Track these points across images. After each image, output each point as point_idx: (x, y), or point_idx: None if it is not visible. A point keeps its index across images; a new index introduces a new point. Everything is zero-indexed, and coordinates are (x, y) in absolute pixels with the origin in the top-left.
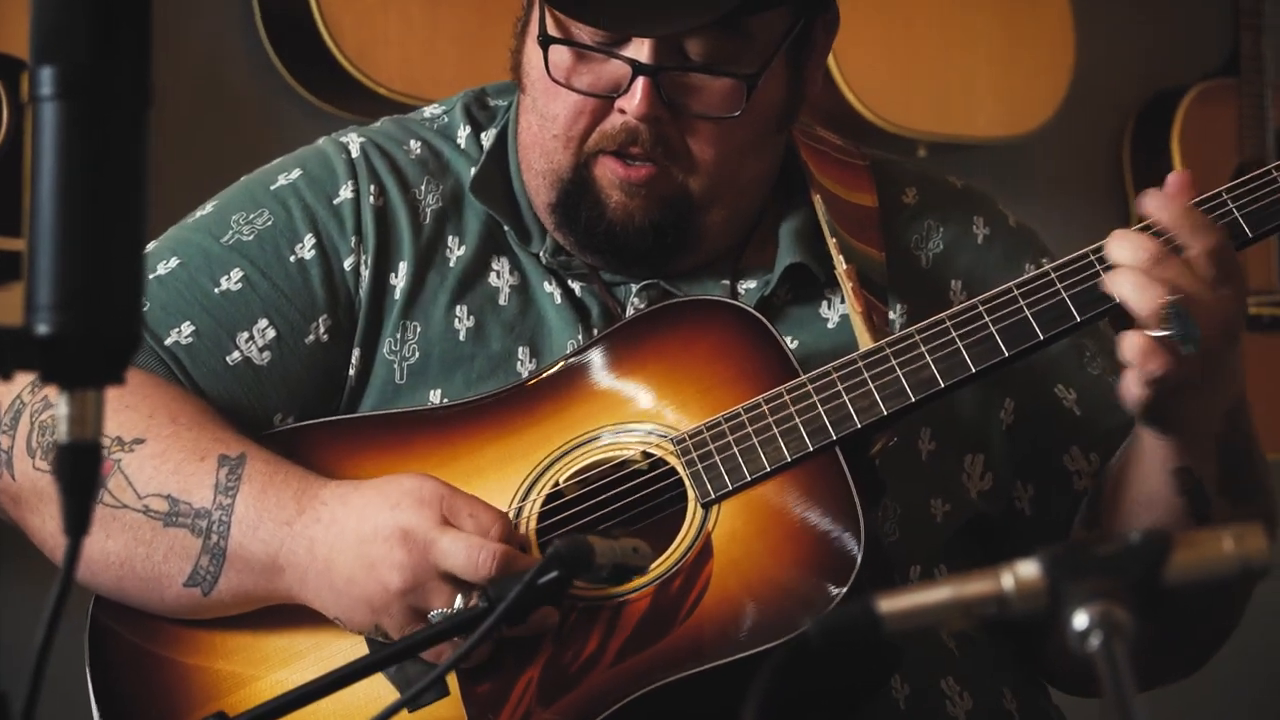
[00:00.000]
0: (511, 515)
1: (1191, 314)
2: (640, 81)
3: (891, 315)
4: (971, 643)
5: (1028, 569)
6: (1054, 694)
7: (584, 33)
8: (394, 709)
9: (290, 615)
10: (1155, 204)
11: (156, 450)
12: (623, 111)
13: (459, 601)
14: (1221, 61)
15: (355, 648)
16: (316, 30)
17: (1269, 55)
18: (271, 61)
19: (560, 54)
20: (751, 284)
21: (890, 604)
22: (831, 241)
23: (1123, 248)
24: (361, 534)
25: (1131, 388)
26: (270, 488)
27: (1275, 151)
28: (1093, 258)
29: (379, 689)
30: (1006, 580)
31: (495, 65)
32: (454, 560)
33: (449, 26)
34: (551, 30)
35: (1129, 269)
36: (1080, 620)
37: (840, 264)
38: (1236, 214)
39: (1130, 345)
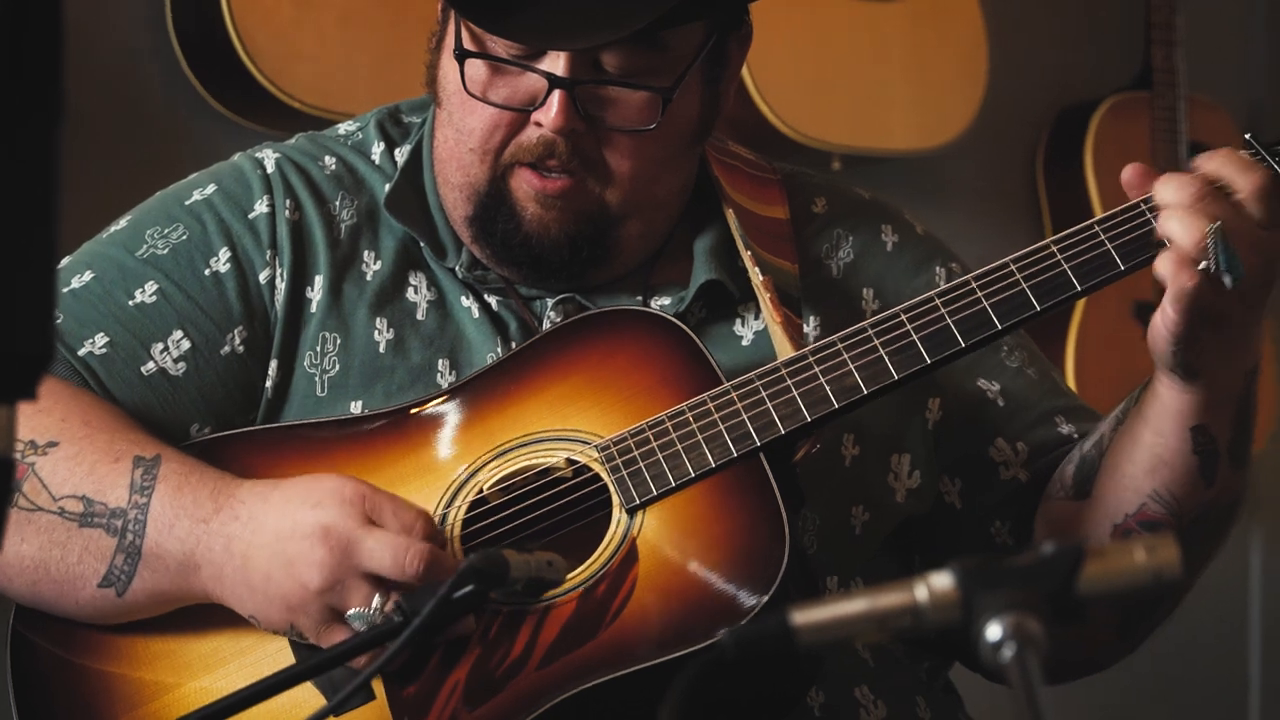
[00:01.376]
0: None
1: (1235, 247)
2: (556, 95)
3: (806, 328)
4: (887, 653)
5: (941, 581)
6: (969, 705)
7: (500, 46)
8: (320, 715)
9: (211, 621)
10: (1203, 156)
11: (70, 453)
12: (539, 124)
13: (376, 601)
14: (1134, 75)
15: (280, 654)
16: (231, 45)
17: (1181, 69)
18: (186, 76)
19: (476, 68)
20: (666, 300)
21: (804, 616)
22: (746, 254)
23: (1169, 187)
24: (280, 531)
25: (1166, 310)
26: (186, 486)
27: (1189, 164)
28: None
29: (303, 692)
30: (920, 592)
31: (410, 81)
32: (379, 560)
33: (363, 42)
34: (467, 44)
35: (1175, 206)
36: (994, 632)
37: (756, 275)
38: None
39: (1163, 261)
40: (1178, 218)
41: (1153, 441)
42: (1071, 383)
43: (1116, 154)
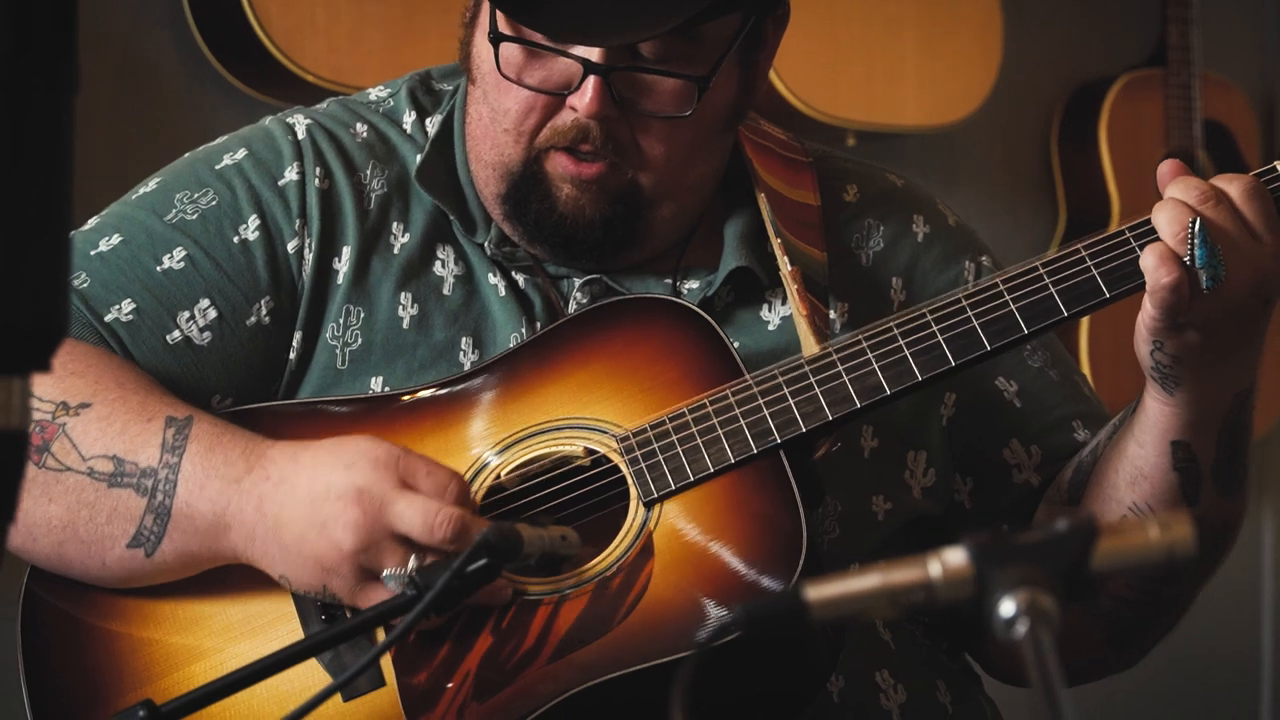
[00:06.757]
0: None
1: (1218, 247)
2: (591, 80)
3: (832, 315)
4: (907, 636)
5: (955, 556)
6: (988, 686)
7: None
8: (327, 693)
9: (239, 588)
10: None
11: (103, 414)
12: (574, 109)
13: (413, 562)
14: (1149, 53)
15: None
16: (244, 15)
17: (1196, 47)
18: (198, 47)
19: (511, 50)
20: (694, 284)
21: (817, 591)
22: (776, 242)
23: (1177, 186)
24: (314, 492)
25: (1145, 305)
26: (218, 446)
27: (1203, 142)
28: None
29: (314, 676)
30: (934, 568)
31: (421, 54)
32: (409, 523)
33: (375, 14)
34: (502, 27)
35: (1172, 200)
36: (1007, 608)
37: (785, 266)
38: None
39: (1146, 256)
40: (1166, 209)
41: (1135, 453)
42: (1085, 367)
43: (1130, 132)
